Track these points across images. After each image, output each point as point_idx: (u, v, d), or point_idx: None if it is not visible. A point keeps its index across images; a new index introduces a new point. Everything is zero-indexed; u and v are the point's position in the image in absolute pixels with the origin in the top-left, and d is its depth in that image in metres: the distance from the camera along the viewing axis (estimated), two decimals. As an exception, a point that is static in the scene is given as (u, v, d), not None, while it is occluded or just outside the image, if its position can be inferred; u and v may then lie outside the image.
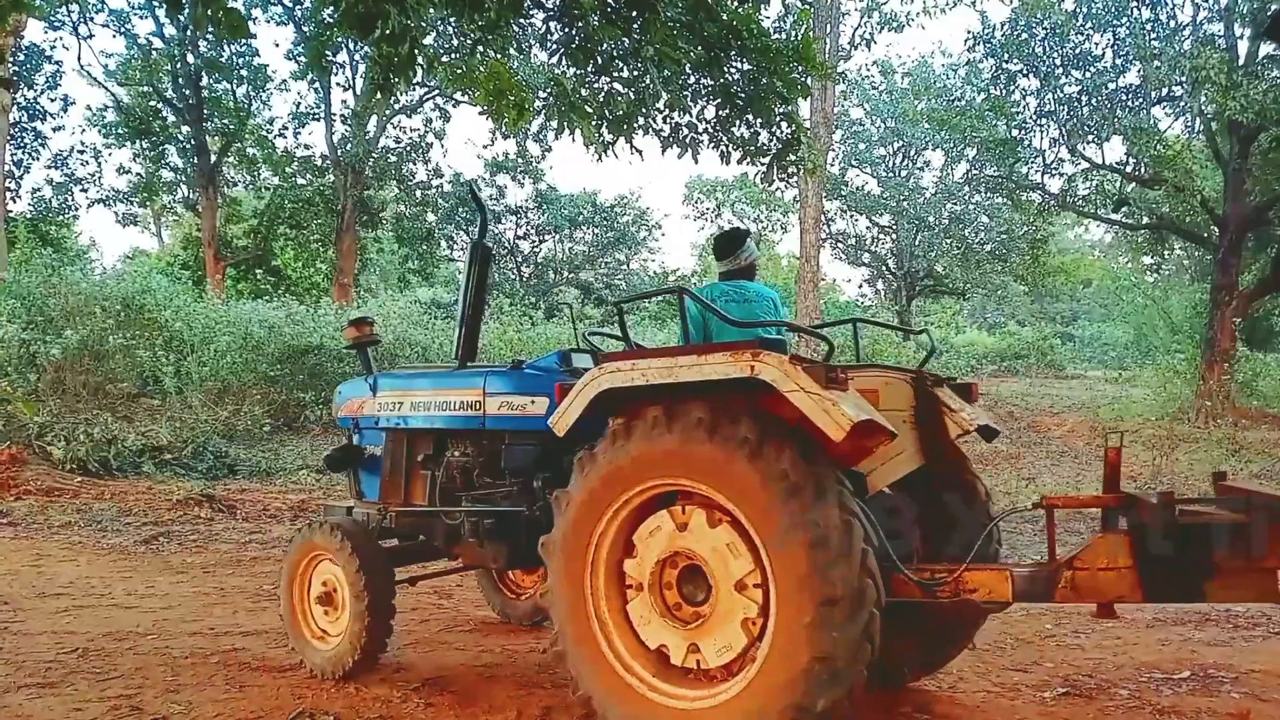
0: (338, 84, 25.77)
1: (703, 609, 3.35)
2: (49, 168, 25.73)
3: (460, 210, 32.62)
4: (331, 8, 5.59)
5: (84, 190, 26.53)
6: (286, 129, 27.03)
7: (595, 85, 9.26)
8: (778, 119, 9.71)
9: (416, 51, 5.53)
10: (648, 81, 9.47)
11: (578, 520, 3.53)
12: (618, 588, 3.55)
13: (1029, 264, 28.14)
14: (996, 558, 4.01)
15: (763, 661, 3.13)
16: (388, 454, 4.91)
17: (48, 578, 6.70)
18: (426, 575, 5.32)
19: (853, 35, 25.26)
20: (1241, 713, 4.03)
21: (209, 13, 4.35)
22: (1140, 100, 19.02)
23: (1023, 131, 20.75)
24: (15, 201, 24.59)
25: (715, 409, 3.24)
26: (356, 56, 24.52)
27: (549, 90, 9.77)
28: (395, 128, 27.25)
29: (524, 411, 4.29)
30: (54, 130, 26.12)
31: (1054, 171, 21.35)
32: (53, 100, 24.90)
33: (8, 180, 20.52)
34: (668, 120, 9.98)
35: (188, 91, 24.78)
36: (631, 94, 9.32)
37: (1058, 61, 19.26)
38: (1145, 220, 20.94)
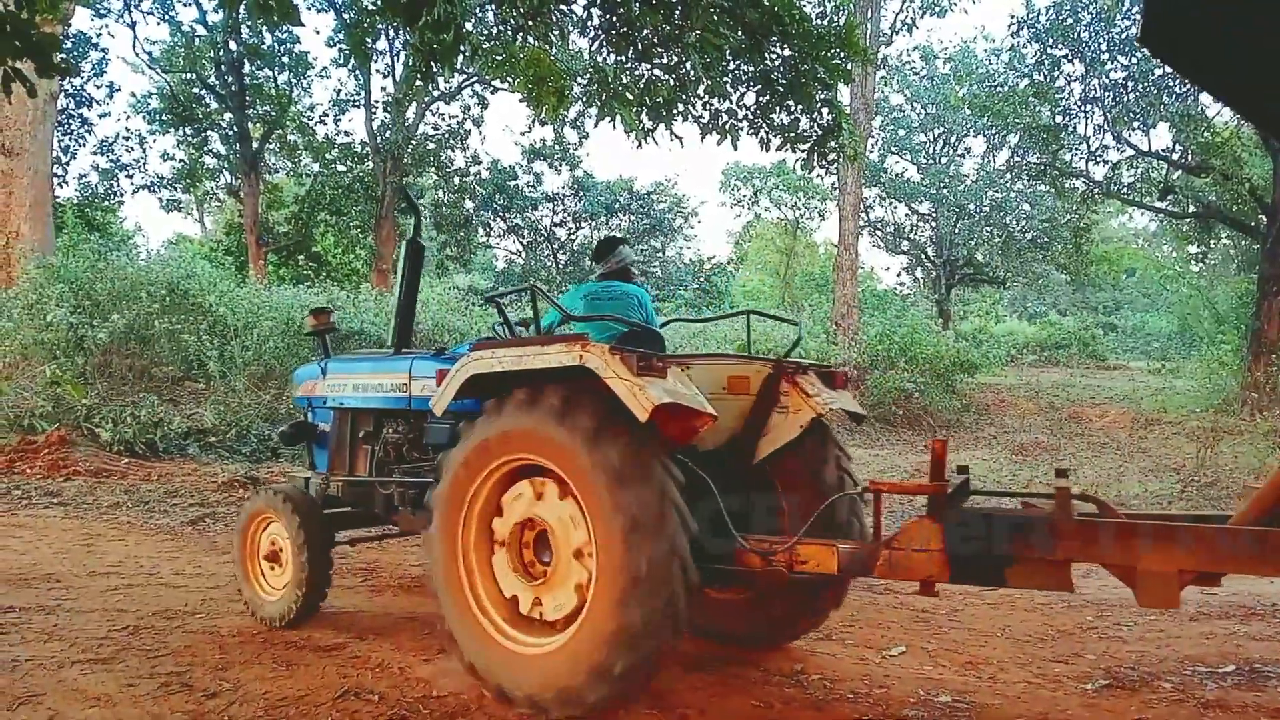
0: (378, 71, 25.90)
1: (548, 569, 3.84)
2: (95, 154, 26.16)
3: (498, 197, 32.75)
4: (376, -5, 5.63)
5: (129, 176, 26.93)
6: (327, 116, 27.25)
7: (635, 72, 9.25)
8: (818, 105, 9.64)
9: (461, 38, 5.56)
10: (688, 68, 9.44)
11: (455, 481, 4.01)
12: (486, 543, 4.04)
13: (1071, 252, 27.80)
14: (859, 534, 4.44)
15: (580, 623, 3.61)
16: (334, 430, 5.54)
17: (97, 556, 6.84)
18: (367, 538, 5.88)
19: (894, 20, 24.99)
20: (1289, 709, 3.98)
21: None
22: (1188, 86, 18.65)
23: (1067, 118, 20.45)
24: (63, 187, 25.02)
25: (566, 395, 3.66)
26: (397, 44, 24.66)
27: (589, 77, 9.78)
28: (434, 114, 27.40)
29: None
30: (100, 117, 26.58)
31: (1098, 159, 21.07)
32: (99, 87, 25.29)
33: (55, 166, 20.87)
34: (707, 106, 9.95)
35: (230, 78, 25.07)
36: (672, 80, 9.30)
37: (1103, 47, 18.94)
38: (1191, 209, 20.58)
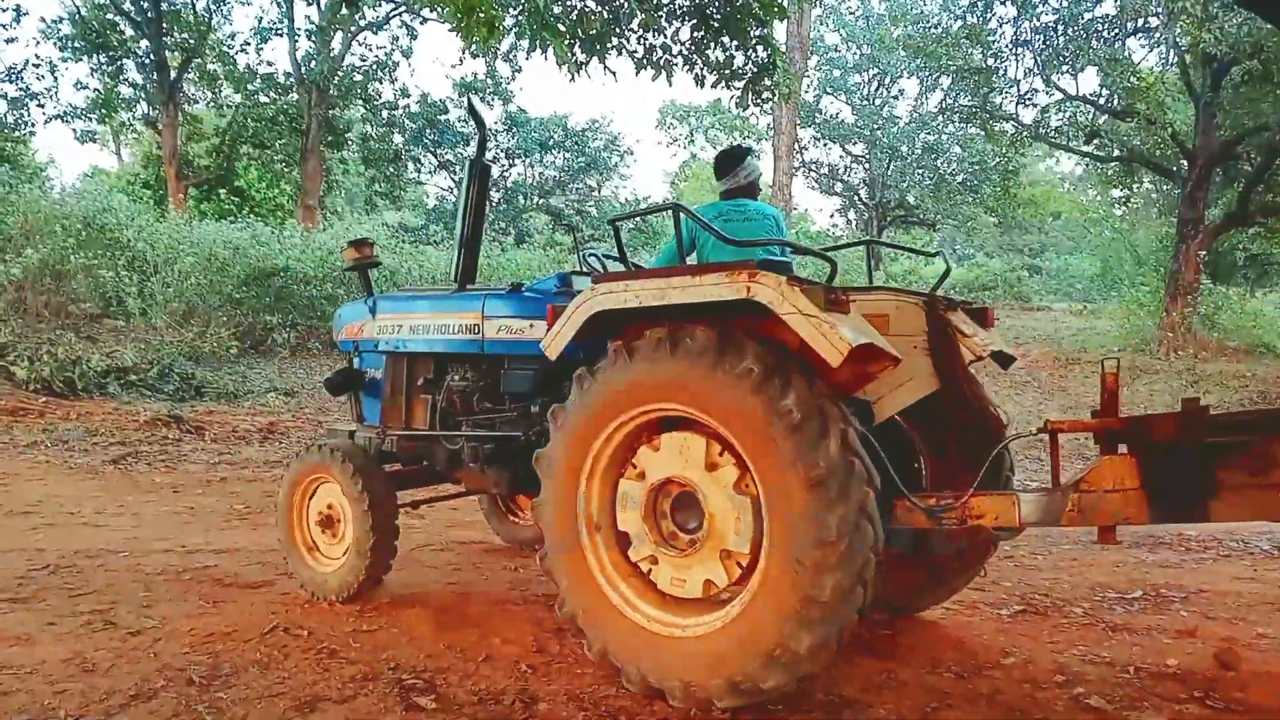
0: (302, -2, 24.97)
1: (696, 537, 3.32)
2: (3, 81, 24.86)
3: (428, 132, 32.02)
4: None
5: (40, 106, 25.69)
6: (248, 45, 26.24)
7: (568, 3, 9.06)
8: (753, 42, 9.57)
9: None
10: (622, 1, 9.28)
11: (574, 438, 3.48)
12: (610, 508, 3.51)
13: (999, 195, 28.25)
14: (1009, 484, 3.99)
15: (751, 597, 3.10)
16: (388, 378, 4.88)
17: (15, 496, 6.67)
18: (430, 499, 5.29)
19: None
20: (1189, 629, 4.19)
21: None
22: (1116, 31, 18.91)
23: (998, 60, 20.61)
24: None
25: (720, 335, 3.13)
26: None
27: (521, 7, 9.55)
28: (361, 45, 26.56)
29: (522, 335, 4.20)
30: (6, 43, 25.16)
31: (1027, 102, 21.30)
32: (4, 10, 23.96)
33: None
34: (642, 41, 9.81)
35: (146, 4, 23.94)
36: (605, 13, 9.14)
37: (1035, -11, 19.07)
38: (1116, 153, 20.98)
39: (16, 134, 26.41)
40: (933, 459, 4.02)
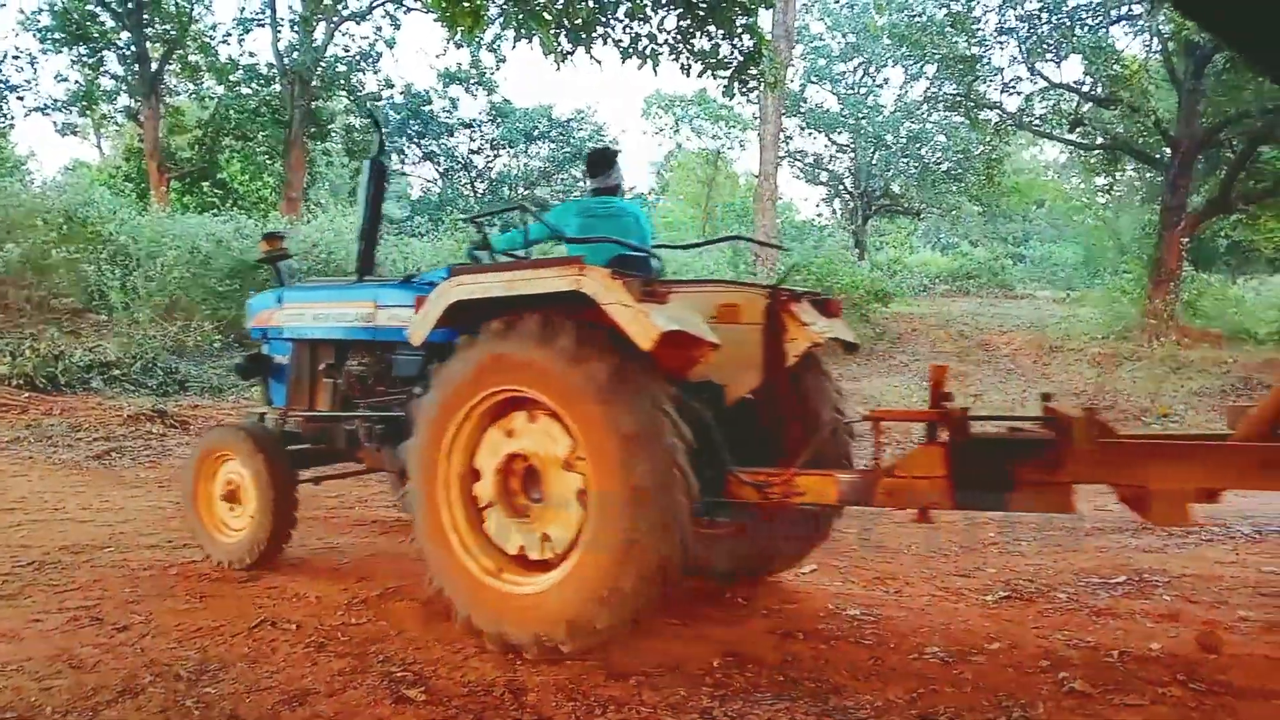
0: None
1: (538, 505, 3.71)
2: (-21, 73, 24.59)
3: (413, 123, 31.90)
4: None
5: (20, 98, 25.43)
6: (230, 36, 26.02)
7: (552, -7, 9.02)
8: (739, 30, 9.56)
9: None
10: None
11: (431, 424, 3.81)
12: (467, 487, 3.82)
13: (984, 184, 28.34)
14: (847, 463, 4.32)
15: (581, 549, 3.48)
16: (293, 363, 5.25)
17: (-1, 492, 6.63)
18: (330, 476, 5.50)
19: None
20: (1172, 613, 4.24)
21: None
22: (1099, 18, 18.97)
23: (982, 49, 20.66)
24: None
25: (545, 320, 3.51)
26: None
27: (506, -2, 9.50)
28: (344, 35, 26.37)
29: (410, 323, 4.31)
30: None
31: (1011, 90, 21.36)
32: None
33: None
34: (627, 30, 9.79)
35: (127, -7, 23.70)
36: (591, 2, 9.11)
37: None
38: (1099, 141, 21.07)
39: (-5, 127, 26.18)
40: (783, 440, 4.27)
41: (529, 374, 3.55)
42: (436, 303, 3.80)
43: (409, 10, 25.70)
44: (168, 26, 24.55)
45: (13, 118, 25.69)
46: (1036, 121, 21.48)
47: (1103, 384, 13.20)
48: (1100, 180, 28.02)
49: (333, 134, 27.99)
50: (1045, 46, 19.56)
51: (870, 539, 5.77)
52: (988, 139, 23.86)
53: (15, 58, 25.04)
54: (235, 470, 4.95)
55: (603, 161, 5.11)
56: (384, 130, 5.32)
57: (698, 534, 3.94)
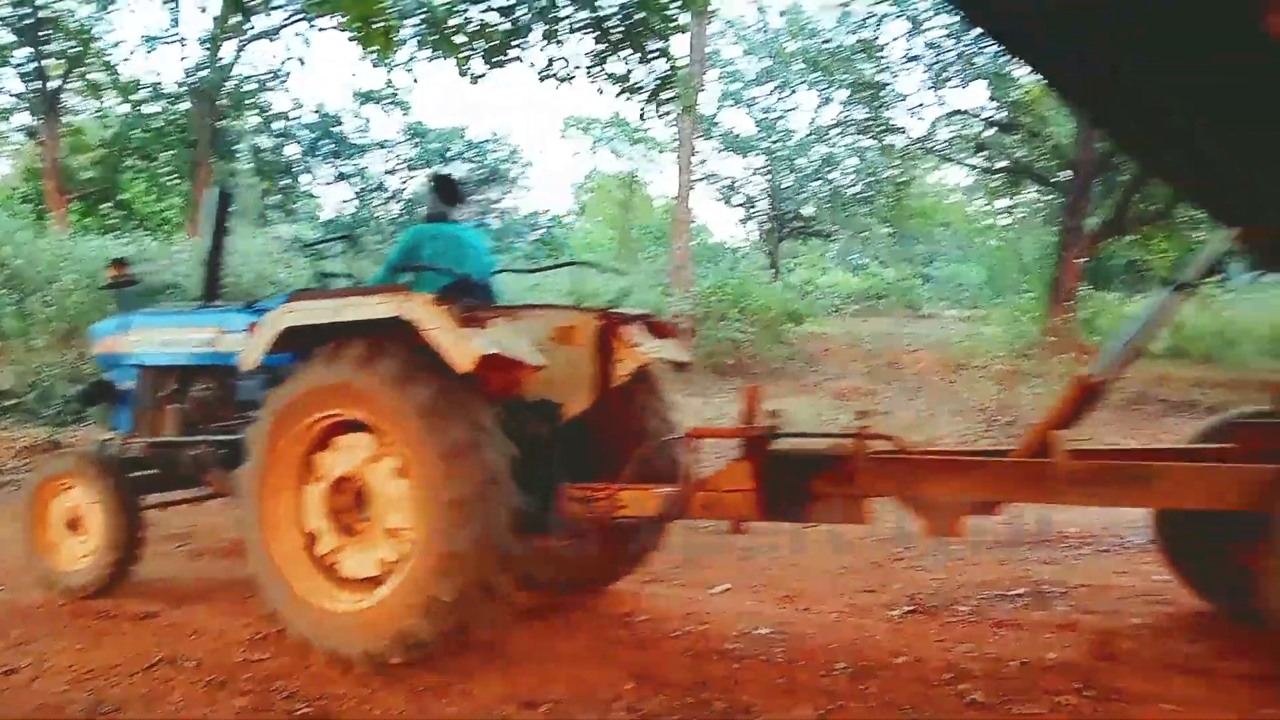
0: (191, 5, 24.19)
1: (368, 524, 3.83)
2: None
3: (325, 142, 31.39)
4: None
5: (-89, 114, 24.30)
6: (133, 53, 25.30)
7: (467, 15, 9.02)
8: (652, 55, 9.69)
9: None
10: (522, 12, 9.27)
11: (264, 448, 3.91)
12: (300, 509, 3.93)
13: (892, 206, 29.10)
14: (684, 478, 4.29)
15: (407, 566, 3.62)
16: (139, 389, 5.29)
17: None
18: (176, 501, 5.52)
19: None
20: (1069, 623, 4.39)
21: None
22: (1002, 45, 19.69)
23: (890, 75, 21.27)
24: None
25: (371, 345, 3.66)
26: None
27: (420, 17, 9.47)
28: (254, 54, 25.88)
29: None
30: None
31: (918, 115, 22.04)
32: None
33: None
34: (543, 51, 9.84)
35: (24, 10, 22.83)
36: (506, 24, 9.13)
37: (924, 5, 19.74)
38: (1001, 164, 21.82)
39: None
40: (616, 456, 4.38)
41: (356, 398, 3.70)
42: (267, 329, 3.93)
43: (322, 30, 25.35)
44: (69, 43, 23.75)
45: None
46: (941, 146, 22.16)
47: (1005, 400, 13.62)
48: (1002, 202, 29.06)
49: (241, 154, 27.40)
50: (950, 73, 20.22)
51: (781, 557, 5.84)
52: (895, 163, 24.54)
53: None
54: (77, 498, 4.91)
55: (452, 189, 5.35)
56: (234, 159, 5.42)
57: (535, 548, 4.27)
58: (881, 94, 20.94)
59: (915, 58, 20.60)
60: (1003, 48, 9.44)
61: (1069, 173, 18.79)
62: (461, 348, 3.49)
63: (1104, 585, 5.05)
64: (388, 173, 34.15)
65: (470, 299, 4.18)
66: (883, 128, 22.33)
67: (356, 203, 34.38)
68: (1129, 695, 3.47)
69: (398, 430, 3.62)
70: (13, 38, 23.35)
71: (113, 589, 4.79)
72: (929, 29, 19.88)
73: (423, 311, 3.56)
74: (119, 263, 5.61)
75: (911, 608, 4.71)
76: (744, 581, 5.24)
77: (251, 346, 4.03)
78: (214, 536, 6.38)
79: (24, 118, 25.78)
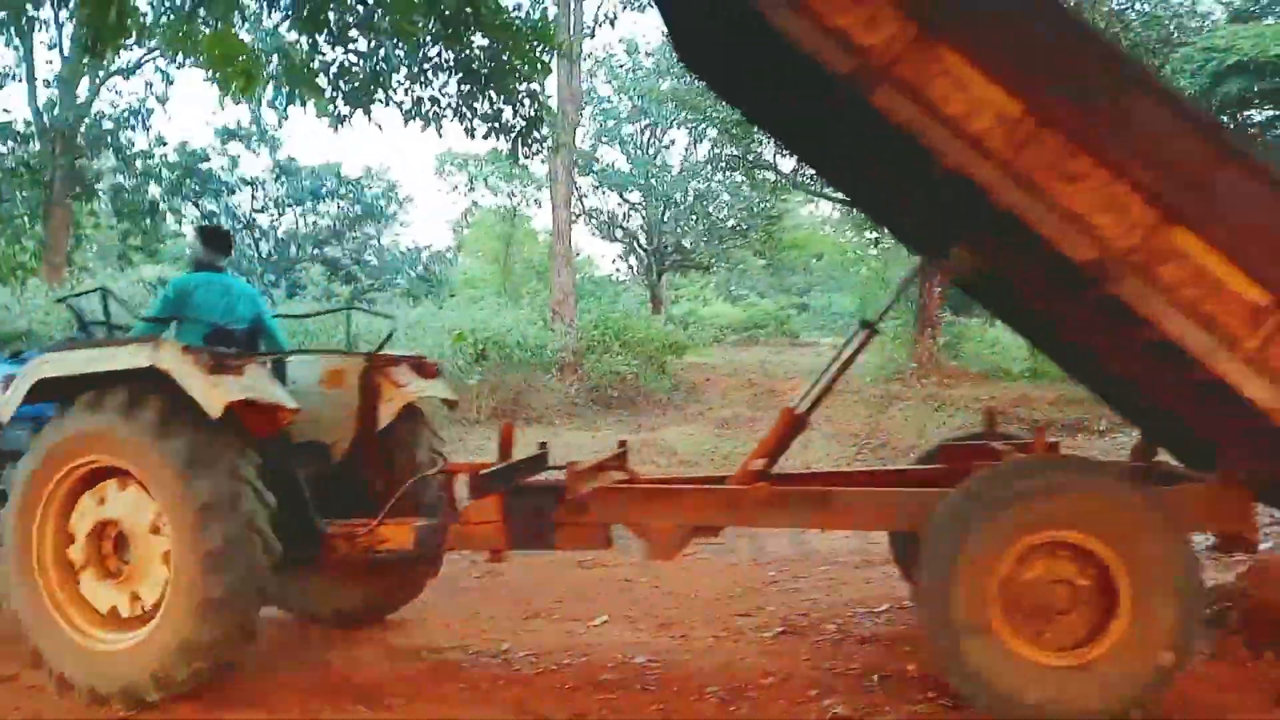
0: (41, 43, 23.19)
1: (129, 567, 3.95)
2: None
3: (189, 181, 30.40)
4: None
5: None
6: (-21, 90, 24.09)
7: (327, 57, 8.95)
8: (520, 96, 9.80)
9: (125, 15, 5.18)
10: (384, 53, 9.27)
11: (25, 497, 4.00)
12: (63, 552, 4.02)
13: (765, 239, 29.92)
14: (443, 512, 4.51)
15: (165, 608, 3.78)
16: None
17: None
18: None
19: (596, 13, 25.66)
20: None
21: None
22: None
23: (757, 113, 21.98)
24: None
25: (134, 393, 3.79)
26: (62, 14, 22.19)
27: (280, 59, 9.35)
28: (111, 91, 24.94)
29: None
30: None
31: (784, 152, 22.76)
32: None
33: None
34: (409, 93, 9.83)
35: None
36: (368, 66, 9.10)
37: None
38: (865, 198, 22.71)
39: None
40: (387, 490, 4.55)
41: (114, 445, 3.84)
42: (22, 381, 4.02)
43: (181, 65, 24.66)
44: (-95, 80, 22.47)
45: None
46: (809, 180, 22.95)
47: (877, 423, 14.15)
48: (870, 234, 30.23)
49: (100, 194, 26.31)
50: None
51: (661, 585, 5.94)
52: (766, 197, 25.29)
53: None
54: None
55: (221, 241, 5.45)
56: None
57: (308, 582, 4.74)
58: (751, 131, 21.59)
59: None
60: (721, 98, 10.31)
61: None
62: (212, 394, 3.66)
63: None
64: (257, 210, 33.29)
65: (232, 346, 4.40)
66: (753, 164, 23.01)
67: (226, 242, 33.36)
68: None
69: (155, 479, 3.77)
70: None
71: None
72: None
73: (174, 360, 3.71)
74: None
75: (782, 629, 4.89)
76: (623, 612, 5.32)
77: (6, 398, 4.11)
78: None
79: None
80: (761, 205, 27.71)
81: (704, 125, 24.93)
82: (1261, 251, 3.20)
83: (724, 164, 25.92)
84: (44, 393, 4.03)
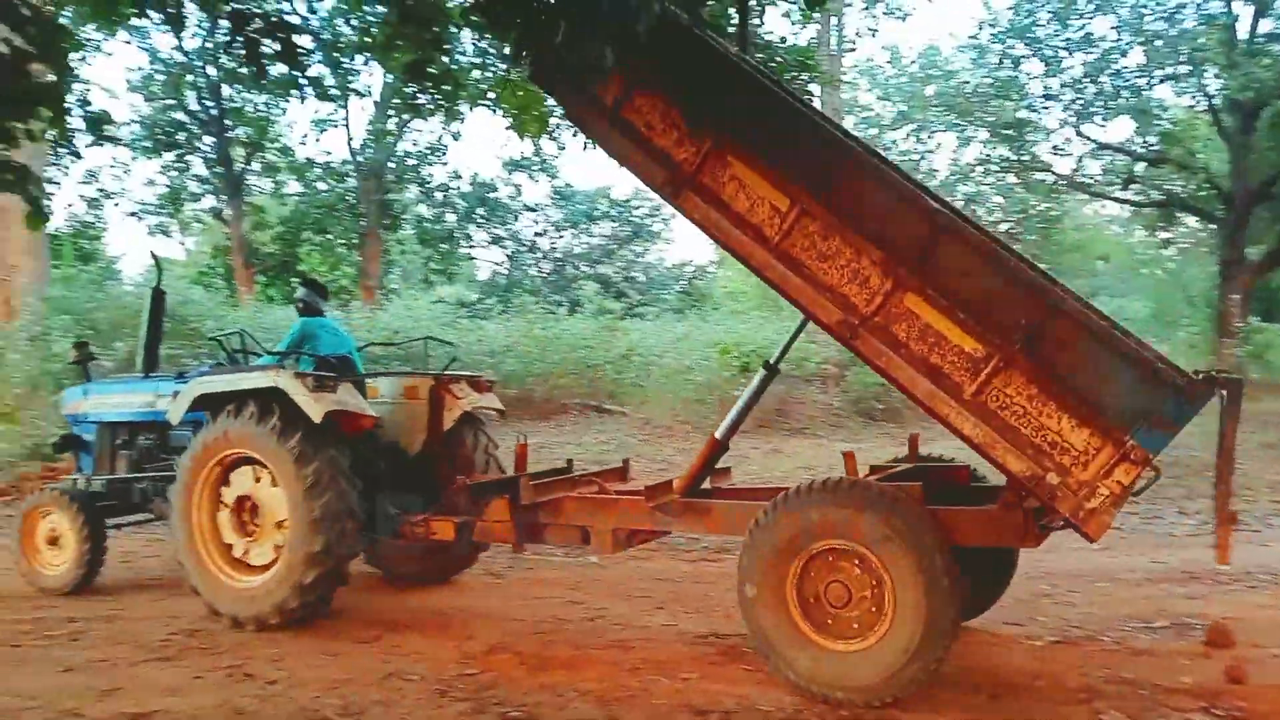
0: (355, 91, 26.22)
1: (259, 528, 5.54)
2: (82, 183, 26.41)
3: (480, 209, 33.20)
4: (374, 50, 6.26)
5: (116, 204, 27.24)
6: (306, 138, 27.57)
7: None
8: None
9: (460, 88, 6.13)
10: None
11: (188, 477, 5.63)
12: (213, 519, 5.64)
13: (1042, 243, 28.49)
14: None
15: (282, 556, 5.33)
16: (98, 439, 6.87)
17: (136, 571, 7.36)
18: (132, 522, 6.96)
19: (858, 28, 25.63)
20: (1206, 652, 4.61)
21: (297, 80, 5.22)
22: (1144, 80, 19.36)
23: (1031, 112, 21.15)
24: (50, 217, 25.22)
25: (262, 406, 5.33)
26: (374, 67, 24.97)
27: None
28: (412, 130, 27.79)
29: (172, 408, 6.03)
30: (86, 146, 26.67)
31: (1062, 152, 21.74)
32: (82, 118, 25.48)
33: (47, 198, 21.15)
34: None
35: (210, 103, 25.33)
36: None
37: (1060, 44, 19.65)
38: (1154, 197, 21.27)
39: (93, 231, 28.01)
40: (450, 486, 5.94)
41: (249, 442, 5.39)
42: (186, 395, 5.71)
43: (474, 106, 27.09)
44: (248, 130, 26.13)
45: (106, 222, 27.39)
46: (1090, 181, 21.78)
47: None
48: (1163, 234, 28.09)
49: (405, 224, 29.35)
50: (1092, 110, 19.98)
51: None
52: (1043, 198, 24.19)
53: (111, 167, 26.83)
54: (56, 521, 6.50)
55: (321, 291, 7.05)
56: (160, 266, 7.24)
57: (396, 554, 6.59)
58: (1024, 133, 20.83)
59: (1053, 96, 20.46)
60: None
61: (1224, 204, 18.21)
62: (315, 406, 5.19)
63: (1249, 618, 5.20)
64: (538, 234, 35.79)
65: (332, 372, 5.79)
66: (1026, 166, 22.14)
67: (509, 263, 36.17)
68: (1255, 715, 3.72)
69: (278, 467, 5.29)
70: (198, 129, 25.92)
71: (78, 591, 6.39)
72: (1067, 68, 19.77)
73: (289, 382, 5.28)
74: (79, 345, 7.38)
75: (1056, 638, 5.01)
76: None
77: (175, 408, 5.81)
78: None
79: (210, 200, 28.46)
80: (1037, 207, 26.44)
81: (974, 127, 24.22)
82: (976, 310, 3.77)
83: (995, 166, 25.00)
84: (201, 404, 5.62)
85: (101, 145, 25.50)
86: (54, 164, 24.64)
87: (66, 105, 4.44)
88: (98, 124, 5.31)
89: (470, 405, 6.23)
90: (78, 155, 25.13)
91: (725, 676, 4.53)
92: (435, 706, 4.14)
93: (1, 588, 6.63)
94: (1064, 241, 31.61)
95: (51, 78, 4.57)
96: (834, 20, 20.58)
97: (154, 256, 8.00)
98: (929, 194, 4.85)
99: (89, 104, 6.14)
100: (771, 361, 5.22)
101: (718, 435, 5.08)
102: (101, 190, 26.86)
